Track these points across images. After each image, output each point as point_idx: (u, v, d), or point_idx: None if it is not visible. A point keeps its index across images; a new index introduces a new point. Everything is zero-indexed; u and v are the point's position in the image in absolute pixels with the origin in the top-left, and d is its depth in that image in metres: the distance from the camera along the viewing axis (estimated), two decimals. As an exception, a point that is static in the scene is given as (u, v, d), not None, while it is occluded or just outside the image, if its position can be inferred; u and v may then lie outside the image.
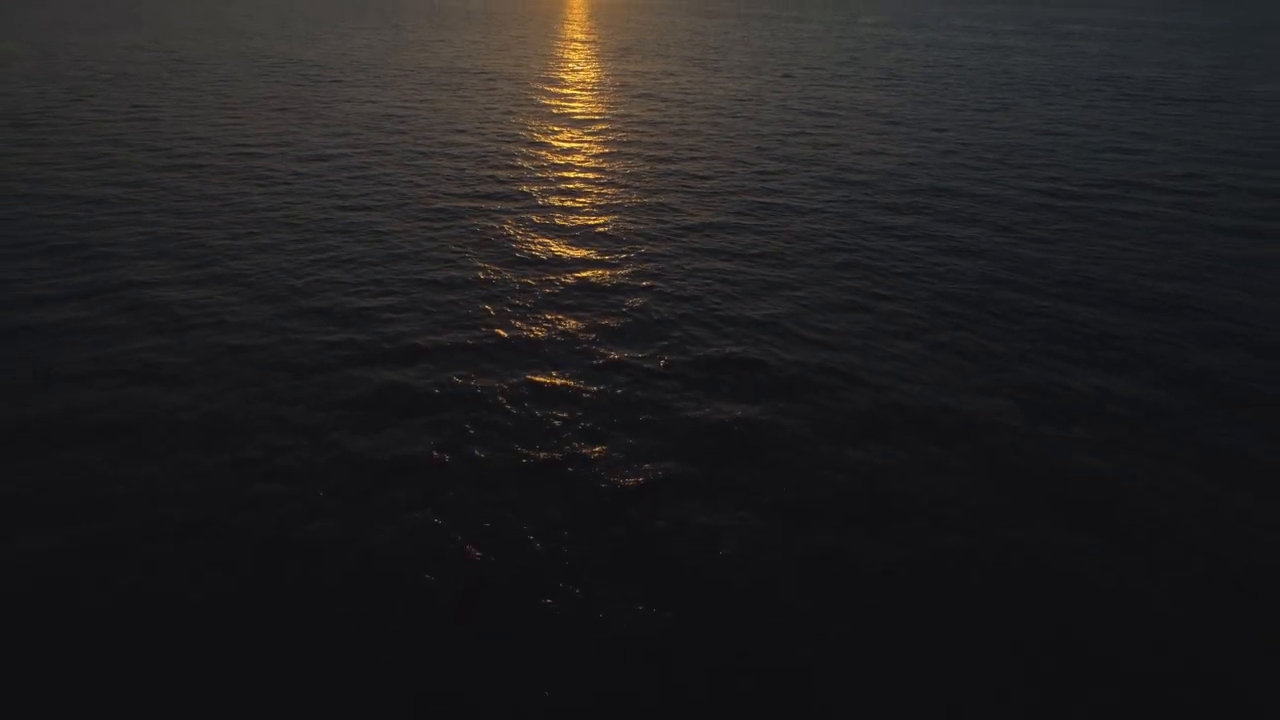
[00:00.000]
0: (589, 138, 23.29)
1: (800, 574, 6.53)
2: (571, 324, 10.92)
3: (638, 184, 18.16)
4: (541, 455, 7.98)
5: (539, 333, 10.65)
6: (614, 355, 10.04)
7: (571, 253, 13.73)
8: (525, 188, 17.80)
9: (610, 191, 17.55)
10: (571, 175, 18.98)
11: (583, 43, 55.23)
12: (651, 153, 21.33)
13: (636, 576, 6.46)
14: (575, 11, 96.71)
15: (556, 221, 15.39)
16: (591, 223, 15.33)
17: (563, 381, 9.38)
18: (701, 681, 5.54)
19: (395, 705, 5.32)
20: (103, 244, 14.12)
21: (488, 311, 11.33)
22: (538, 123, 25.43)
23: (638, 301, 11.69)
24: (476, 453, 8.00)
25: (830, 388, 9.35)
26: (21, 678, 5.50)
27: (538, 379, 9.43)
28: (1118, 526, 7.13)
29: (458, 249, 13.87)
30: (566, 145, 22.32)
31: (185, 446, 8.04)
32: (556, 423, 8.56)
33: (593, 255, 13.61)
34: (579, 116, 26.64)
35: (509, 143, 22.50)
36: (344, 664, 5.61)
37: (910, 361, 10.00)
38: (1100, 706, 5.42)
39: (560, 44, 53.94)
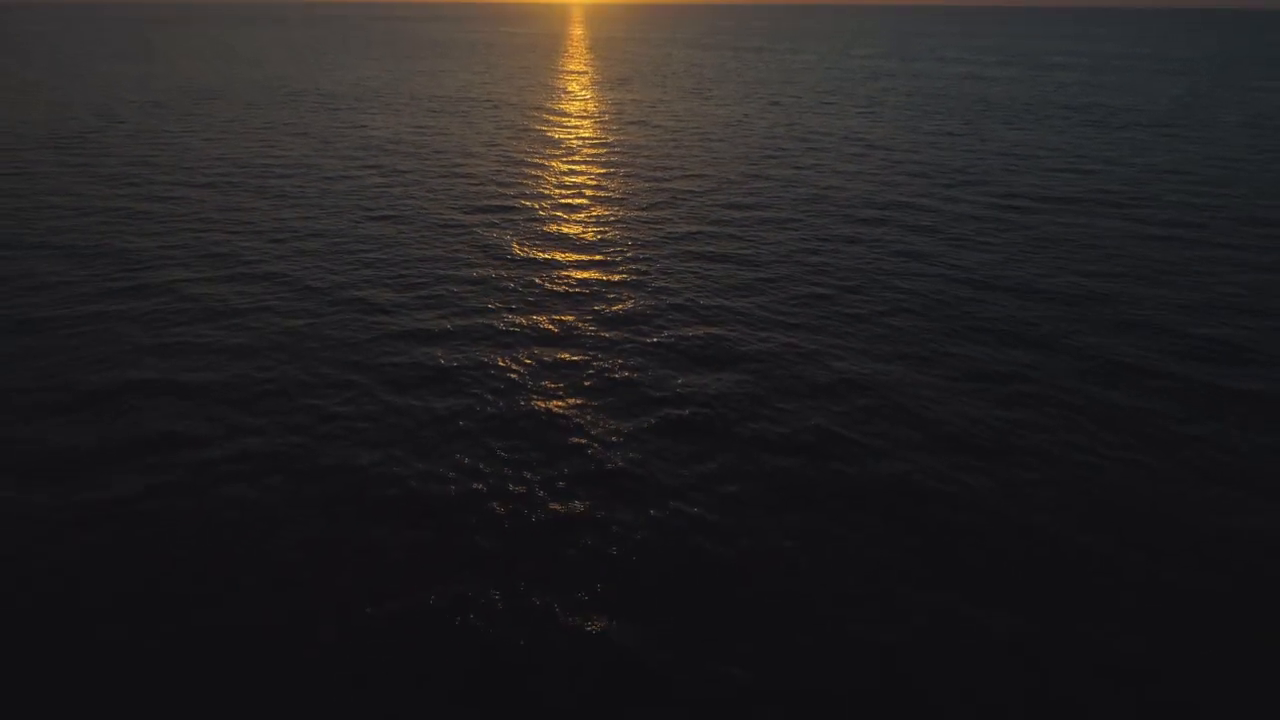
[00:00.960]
0: (589, 157, 25.26)
1: (763, 490, 8.23)
2: (572, 310, 12.71)
3: (632, 197, 20.06)
4: (546, 405, 9.72)
5: (545, 316, 12.44)
6: (609, 334, 11.81)
7: (573, 255, 15.56)
8: (531, 201, 19.70)
9: (607, 203, 19.44)
10: (572, 190, 20.88)
11: (583, 73, 57.71)
12: (645, 170, 23.28)
13: (627, 494, 8.16)
14: (575, 44, 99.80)
15: (559, 230, 17.25)
16: (590, 230, 17.19)
17: (565, 353, 11.14)
18: (673, 570, 7.23)
19: (434, 593, 7.00)
20: (152, 249, 15.93)
21: (500, 301, 13.13)
22: (541, 144, 27.44)
23: (630, 292, 13.49)
24: (493, 402, 9.74)
25: (792, 358, 11.11)
26: (140, 557, 7.17)
27: (543, 352, 11.19)
28: (1009, 458, 8.85)
29: (471, 252, 15.71)
30: (568, 164, 24.28)
31: (259, 399, 9.78)
32: (561, 383, 10.30)
33: (592, 256, 15.44)
34: (579, 138, 28.67)
35: (516, 163, 24.46)
36: (392, 563, 7.29)
37: (861, 339, 11.78)
38: (968, 586, 7.11)
39: (561, 74, 56.40)
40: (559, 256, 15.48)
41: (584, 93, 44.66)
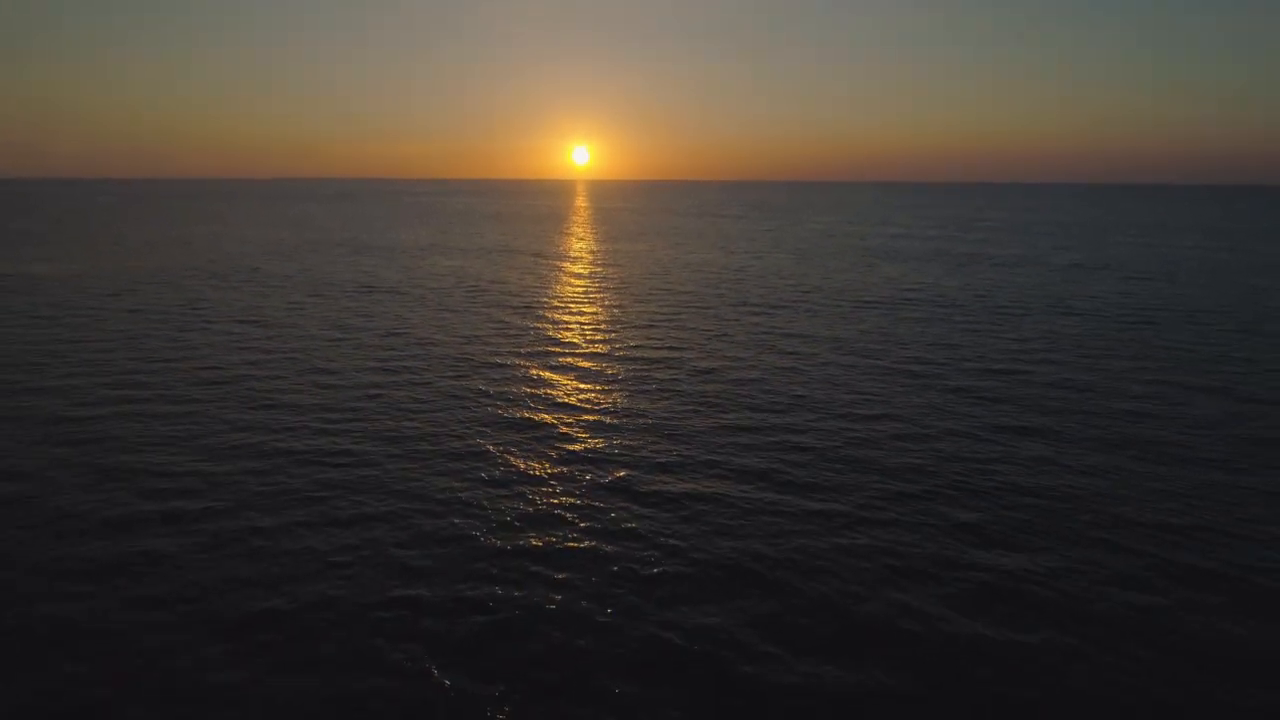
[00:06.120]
0: (587, 280, 37.25)
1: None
2: (569, 375, 23.90)
3: (615, 303, 31.73)
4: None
5: (562, 389, 23.61)
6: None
7: (568, 341, 26.94)
8: (546, 305, 31.40)
9: (598, 307, 31.07)
10: (574, 300, 32.59)
11: (585, 232, 72.00)
12: (626, 287, 35.15)
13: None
14: (580, 213, 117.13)
15: (562, 328, 28.74)
16: (583, 326, 28.67)
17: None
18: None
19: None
20: (309, 329, 27.31)
21: (518, 355, 24.35)
22: (554, 272, 39.61)
23: (606, 363, 24.72)
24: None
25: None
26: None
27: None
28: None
29: (504, 338, 27.11)
30: (572, 284, 36.21)
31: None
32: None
33: (583, 339, 26.82)
34: (581, 270, 40.90)
35: (537, 283, 36.43)
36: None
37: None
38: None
39: (569, 233, 70.60)
40: (558, 343, 26.90)
41: (586, 244, 58.04)
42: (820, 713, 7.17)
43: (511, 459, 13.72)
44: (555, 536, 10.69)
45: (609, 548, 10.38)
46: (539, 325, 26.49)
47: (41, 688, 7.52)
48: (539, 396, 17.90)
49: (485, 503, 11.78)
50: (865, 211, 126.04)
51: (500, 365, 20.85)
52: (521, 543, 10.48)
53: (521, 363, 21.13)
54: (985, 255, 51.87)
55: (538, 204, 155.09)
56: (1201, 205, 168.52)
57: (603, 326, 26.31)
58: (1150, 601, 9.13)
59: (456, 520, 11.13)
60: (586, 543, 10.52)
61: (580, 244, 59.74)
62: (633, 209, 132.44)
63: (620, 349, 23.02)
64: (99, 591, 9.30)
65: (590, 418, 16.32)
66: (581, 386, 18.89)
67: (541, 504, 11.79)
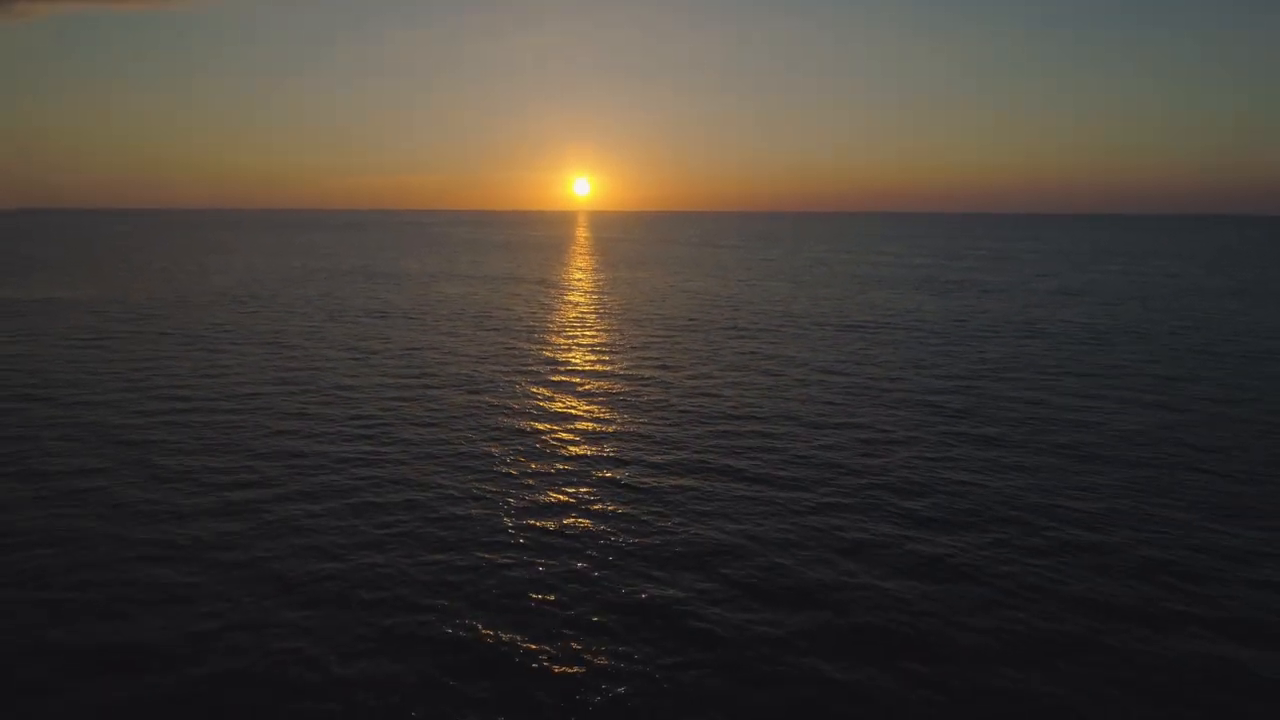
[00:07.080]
0: (588, 303, 39.29)
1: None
2: (576, 397, 25.85)
3: (614, 320, 33.73)
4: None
5: (563, 403, 25.57)
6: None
7: (570, 353, 28.92)
8: (549, 322, 33.41)
9: (597, 324, 33.08)
10: (575, 320, 34.61)
11: (586, 260, 74.29)
12: (623, 308, 37.17)
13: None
14: (581, 242, 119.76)
15: (564, 340, 30.73)
16: (584, 340, 30.67)
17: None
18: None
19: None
20: (313, 351, 29.29)
21: (519, 375, 26.31)
22: (557, 297, 41.69)
23: (615, 383, 26.67)
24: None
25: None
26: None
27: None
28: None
29: (505, 352, 29.09)
30: (574, 306, 38.24)
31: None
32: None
33: (583, 351, 28.80)
34: (583, 294, 42.97)
35: (541, 305, 38.49)
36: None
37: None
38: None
39: (571, 261, 72.89)
40: (560, 362, 28.89)
41: (586, 271, 60.25)
42: (775, 643, 9.00)
43: (520, 459, 15.59)
44: (560, 517, 12.55)
45: (605, 525, 12.23)
46: (542, 347, 28.47)
47: (135, 629, 9.33)
48: (543, 408, 19.79)
49: (498, 493, 13.64)
50: (855, 241, 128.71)
51: (508, 382, 22.77)
52: (531, 522, 12.34)
53: (527, 380, 23.06)
54: (971, 282, 54.00)
55: (540, 234, 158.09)
56: (1211, 232, 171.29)
57: (601, 348, 28.29)
58: (1051, 564, 10.97)
59: (474, 506, 13.00)
60: (586, 522, 12.37)
61: (581, 272, 61.96)
62: (631, 239, 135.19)
63: (617, 367, 24.96)
64: (176, 556, 11.14)
65: (589, 425, 18.21)
66: (581, 399, 20.79)
67: (547, 494, 13.65)
